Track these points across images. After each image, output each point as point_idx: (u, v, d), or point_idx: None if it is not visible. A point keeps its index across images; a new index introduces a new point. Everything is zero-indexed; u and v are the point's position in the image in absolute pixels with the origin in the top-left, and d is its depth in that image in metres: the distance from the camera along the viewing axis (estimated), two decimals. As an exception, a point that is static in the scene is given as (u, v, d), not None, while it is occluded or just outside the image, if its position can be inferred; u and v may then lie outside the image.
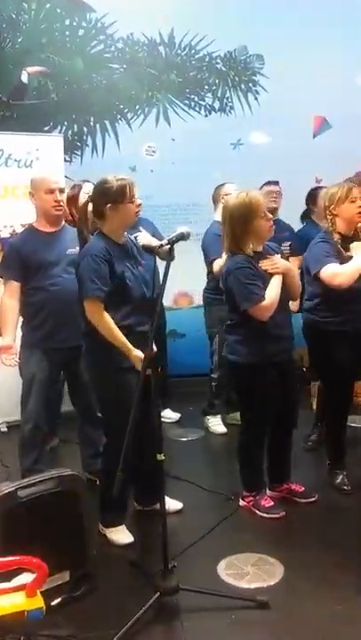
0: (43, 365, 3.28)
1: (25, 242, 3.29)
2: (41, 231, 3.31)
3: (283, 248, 3.19)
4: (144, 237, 3.56)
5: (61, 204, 3.28)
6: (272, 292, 3.01)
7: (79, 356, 3.30)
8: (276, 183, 4.37)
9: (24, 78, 5.10)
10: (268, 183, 4.36)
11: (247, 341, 3.08)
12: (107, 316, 2.76)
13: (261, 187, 4.28)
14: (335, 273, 3.13)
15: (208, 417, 4.46)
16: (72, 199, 3.64)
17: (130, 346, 2.75)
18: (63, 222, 3.37)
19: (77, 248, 3.29)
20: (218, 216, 3.76)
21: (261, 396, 3.11)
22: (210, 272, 4.14)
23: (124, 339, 2.74)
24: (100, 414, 3.13)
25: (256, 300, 2.97)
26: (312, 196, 4.50)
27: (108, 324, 2.76)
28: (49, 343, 3.26)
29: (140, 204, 2.96)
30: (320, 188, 4.37)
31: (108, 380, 2.85)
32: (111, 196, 2.80)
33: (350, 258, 3.16)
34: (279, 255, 3.14)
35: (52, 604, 2.37)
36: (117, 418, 2.81)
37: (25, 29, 5.16)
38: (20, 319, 3.37)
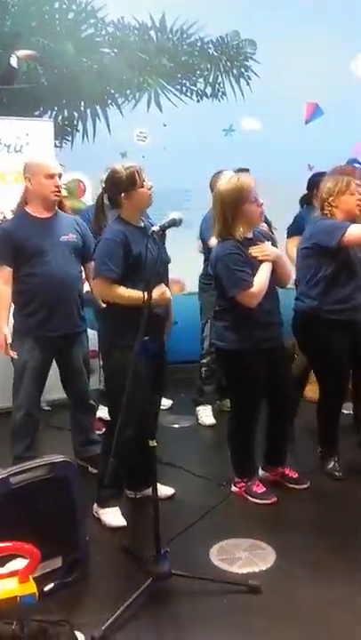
0: (34, 354, 3.25)
1: (18, 227, 3.25)
2: (35, 217, 3.27)
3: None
4: None
5: (60, 189, 3.25)
6: (260, 278, 3.00)
7: (71, 344, 3.29)
8: (247, 170, 4.33)
9: (13, 62, 5.02)
10: (241, 170, 4.33)
11: (235, 328, 3.09)
12: (116, 287, 2.79)
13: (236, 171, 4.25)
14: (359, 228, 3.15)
15: (198, 407, 4.46)
16: None
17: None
18: (57, 208, 3.33)
19: (72, 235, 3.27)
20: None
21: (248, 383, 3.12)
22: (207, 259, 4.13)
23: (138, 293, 2.70)
24: (107, 394, 3.13)
25: (244, 287, 2.97)
26: (315, 183, 4.47)
27: (118, 292, 2.80)
28: (41, 331, 3.24)
29: (151, 187, 2.96)
30: (322, 174, 4.35)
31: (116, 357, 2.86)
32: (123, 185, 2.84)
33: None
34: (270, 243, 3.14)
35: (45, 589, 2.37)
36: (119, 396, 2.82)
37: (14, 12, 5.09)
38: (12, 306, 3.35)
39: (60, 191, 3.25)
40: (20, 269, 3.23)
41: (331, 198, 3.27)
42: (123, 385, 2.80)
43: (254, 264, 3.03)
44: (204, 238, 4.10)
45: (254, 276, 3.01)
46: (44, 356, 3.28)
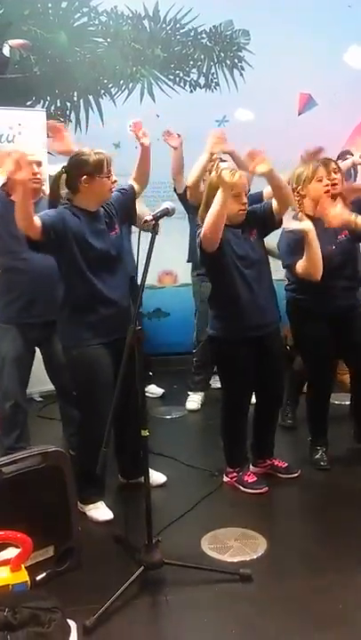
0: (17, 343, 3.24)
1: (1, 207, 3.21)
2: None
3: None
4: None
5: (38, 176, 3.22)
6: (212, 208, 2.87)
7: (54, 334, 3.28)
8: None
9: (5, 51, 4.99)
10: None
11: (223, 315, 3.11)
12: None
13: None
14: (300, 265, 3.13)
15: (189, 392, 4.50)
16: None
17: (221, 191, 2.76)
18: (40, 195, 3.30)
19: None
20: None
21: (237, 371, 3.13)
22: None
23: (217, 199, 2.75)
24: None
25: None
26: None
27: (211, 216, 2.80)
28: (24, 318, 3.22)
29: (115, 181, 2.95)
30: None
31: (76, 356, 2.88)
32: (87, 168, 2.78)
33: None
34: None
35: (37, 578, 2.39)
36: (88, 395, 2.84)
37: (6, 1, 5.04)
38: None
39: (38, 179, 3.22)
40: (1, 256, 3.20)
41: (298, 187, 3.20)
42: (87, 384, 2.84)
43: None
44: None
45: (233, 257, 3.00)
46: (28, 345, 3.27)
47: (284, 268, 3.30)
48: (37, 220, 2.66)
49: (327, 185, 3.17)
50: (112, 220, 2.93)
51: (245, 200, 3.04)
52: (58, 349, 3.32)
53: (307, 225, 3.04)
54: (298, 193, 3.21)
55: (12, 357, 3.24)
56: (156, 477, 3.17)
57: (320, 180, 3.17)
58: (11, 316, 3.24)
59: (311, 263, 3.06)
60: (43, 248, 2.77)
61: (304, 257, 3.07)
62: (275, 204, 3.02)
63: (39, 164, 3.23)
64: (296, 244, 3.11)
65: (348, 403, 3.77)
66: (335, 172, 3.30)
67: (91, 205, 2.86)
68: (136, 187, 3.08)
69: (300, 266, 3.11)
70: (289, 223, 3.08)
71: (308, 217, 3.18)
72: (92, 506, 3.00)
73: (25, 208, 2.61)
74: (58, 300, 3.28)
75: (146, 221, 2.45)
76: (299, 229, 3.05)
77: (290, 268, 3.21)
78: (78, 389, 3.02)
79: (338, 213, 3.02)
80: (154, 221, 2.45)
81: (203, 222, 3.00)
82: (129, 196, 3.02)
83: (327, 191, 3.17)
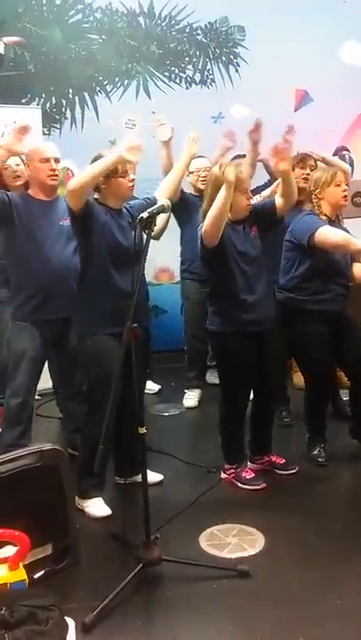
0: (34, 342, 3.22)
1: (20, 202, 3.18)
2: (36, 199, 3.22)
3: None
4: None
5: (57, 173, 3.21)
6: (215, 204, 2.88)
7: (68, 331, 3.27)
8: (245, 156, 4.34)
9: (0, 48, 4.98)
10: (238, 156, 4.33)
11: (222, 311, 3.12)
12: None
13: (233, 159, 4.25)
14: (331, 232, 3.18)
15: (186, 390, 4.51)
16: None
17: (114, 154, 2.77)
18: (57, 193, 3.30)
19: (69, 219, 3.23)
20: None
21: (235, 367, 3.14)
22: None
23: (104, 160, 2.77)
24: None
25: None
26: None
27: (84, 172, 2.81)
28: (40, 314, 3.20)
29: (133, 180, 2.96)
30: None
31: (90, 346, 2.89)
32: None
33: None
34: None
35: (35, 576, 2.39)
36: (98, 386, 2.83)
37: (0, -2, 5.03)
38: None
39: (56, 175, 3.21)
40: (16, 249, 3.20)
41: (317, 190, 3.28)
42: (98, 376, 2.84)
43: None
44: None
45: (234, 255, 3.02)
46: (44, 343, 3.26)
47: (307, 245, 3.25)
48: (83, 195, 2.77)
49: (345, 190, 3.26)
50: (133, 221, 2.95)
51: (250, 194, 3.07)
52: (70, 344, 3.30)
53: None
54: (316, 196, 3.27)
55: (31, 356, 3.21)
56: (153, 477, 3.16)
57: (338, 185, 3.25)
58: (27, 314, 3.22)
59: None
60: (79, 221, 2.85)
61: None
62: (278, 200, 3.04)
63: (57, 160, 3.22)
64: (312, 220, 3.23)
65: (345, 399, 3.77)
66: (311, 169, 3.51)
67: (113, 203, 2.95)
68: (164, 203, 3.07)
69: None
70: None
71: (327, 217, 3.27)
72: (90, 501, 2.99)
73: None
74: (72, 298, 3.29)
75: (142, 218, 2.45)
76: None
77: (311, 238, 3.19)
78: (89, 380, 3.01)
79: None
80: (150, 218, 2.44)
81: (203, 215, 3.01)
82: (150, 207, 3.03)
83: (345, 197, 3.26)
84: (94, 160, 2.88)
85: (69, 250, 3.25)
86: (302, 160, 3.69)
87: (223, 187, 2.85)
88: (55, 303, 3.20)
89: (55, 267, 3.15)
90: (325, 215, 3.28)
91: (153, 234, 2.49)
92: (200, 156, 3.89)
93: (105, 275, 2.89)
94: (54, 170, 3.17)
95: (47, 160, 3.16)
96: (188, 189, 4.23)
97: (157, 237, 3.71)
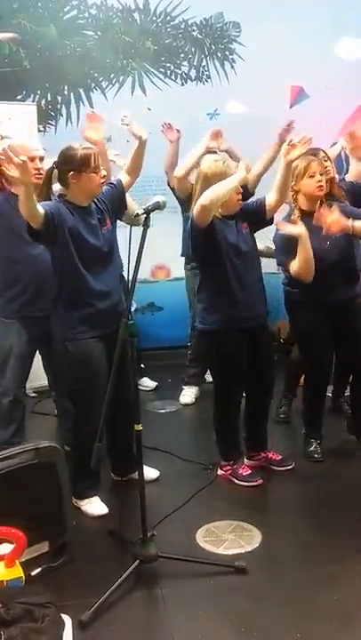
0: (21, 339, 3.22)
1: (3, 201, 3.16)
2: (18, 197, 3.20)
3: None
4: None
5: (41, 172, 3.19)
6: (220, 185, 2.91)
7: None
8: None
9: (-5, 45, 4.96)
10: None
11: (213, 307, 3.11)
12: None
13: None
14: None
15: (183, 386, 4.51)
16: None
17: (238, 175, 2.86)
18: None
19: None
20: None
21: (227, 364, 3.14)
22: None
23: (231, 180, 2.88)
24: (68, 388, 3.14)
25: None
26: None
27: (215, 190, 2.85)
28: (27, 312, 3.20)
29: (104, 176, 2.94)
30: None
31: (71, 350, 2.88)
32: (74, 164, 2.77)
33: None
34: None
35: (32, 574, 2.39)
36: (82, 389, 2.84)
37: (-5, -6, 5.01)
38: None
39: (40, 174, 3.19)
40: (1, 248, 3.17)
41: (292, 183, 3.17)
42: (81, 379, 2.83)
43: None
44: None
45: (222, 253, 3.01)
46: (31, 340, 3.25)
47: (278, 265, 3.29)
48: (40, 209, 2.66)
49: (319, 181, 3.14)
50: (103, 215, 2.92)
51: (240, 189, 3.05)
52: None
53: (300, 229, 3.04)
54: (292, 188, 3.19)
55: (18, 352, 3.21)
56: (148, 472, 3.16)
57: (312, 177, 3.14)
58: (14, 311, 3.21)
59: (303, 265, 3.07)
60: (42, 238, 2.77)
61: (297, 259, 3.08)
62: (271, 198, 3.03)
63: (41, 158, 3.20)
64: (290, 243, 3.09)
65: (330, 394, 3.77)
66: (325, 161, 3.31)
67: (81, 201, 2.86)
68: (127, 179, 3.07)
69: (293, 267, 3.11)
70: (283, 226, 3.09)
71: (303, 212, 3.19)
72: (86, 500, 2.99)
73: (29, 201, 2.60)
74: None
75: (137, 215, 2.44)
76: (293, 234, 3.05)
77: (284, 265, 3.21)
78: (72, 384, 3.01)
79: (335, 220, 3.01)
80: (145, 215, 2.43)
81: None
82: (118, 191, 3.01)
83: (320, 187, 3.14)
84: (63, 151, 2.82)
85: None
86: (307, 168, 3.34)
87: (234, 177, 2.90)
88: (43, 300, 3.19)
89: (42, 264, 3.13)
90: (301, 210, 3.19)
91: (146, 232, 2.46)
92: (211, 152, 3.89)
93: (77, 279, 2.83)
94: (39, 169, 3.14)
95: (32, 159, 3.12)
96: None
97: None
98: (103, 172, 2.89)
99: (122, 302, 2.94)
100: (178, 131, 4.24)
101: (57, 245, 2.80)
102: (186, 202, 3.77)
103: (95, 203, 2.92)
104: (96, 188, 2.87)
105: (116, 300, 2.93)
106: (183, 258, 4.40)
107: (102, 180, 2.93)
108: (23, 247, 3.14)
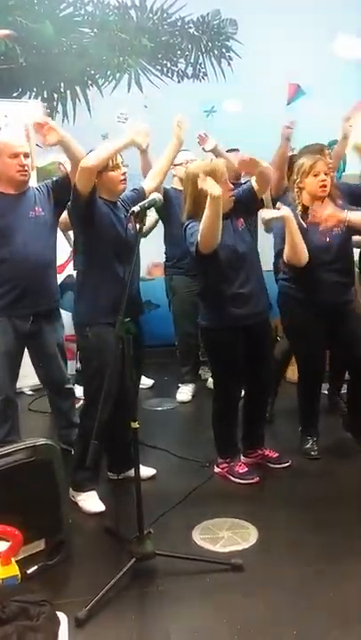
0: (8, 337, 3.20)
1: None
2: (4, 193, 3.18)
3: None
4: None
5: (26, 168, 3.18)
6: (206, 218, 2.88)
7: (45, 329, 3.26)
8: (238, 150, 4.32)
9: (-9, 42, 4.95)
10: (231, 150, 4.31)
11: (214, 306, 3.11)
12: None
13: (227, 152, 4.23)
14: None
15: (180, 384, 4.51)
16: None
17: (123, 137, 2.81)
18: (27, 187, 3.27)
19: (38, 209, 3.19)
20: None
21: (226, 361, 3.14)
22: None
23: (114, 142, 2.81)
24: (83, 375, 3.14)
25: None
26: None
27: (99, 149, 2.80)
28: (14, 309, 3.18)
29: (124, 173, 2.95)
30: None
31: (89, 337, 2.89)
32: None
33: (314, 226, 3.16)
34: None
35: (29, 572, 2.38)
36: (96, 377, 2.82)
37: (-10, -9, 5.00)
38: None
39: (26, 171, 3.18)
40: None
41: (298, 180, 3.23)
42: (97, 367, 2.83)
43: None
44: None
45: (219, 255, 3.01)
46: (18, 337, 3.24)
47: (275, 253, 3.28)
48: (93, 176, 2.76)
49: (323, 180, 3.17)
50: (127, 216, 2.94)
51: (230, 185, 3.04)
52: (49, 341, 3.30)
53: (284, 211, 3.09)
54: (297, 185, 3.23)
55: (3, 351, 3.21)
56: (145, 471, 3.16)
57: (316, 175, 3.18)
58: (1, 309, 3.21)
59: (293, 249, 3.12)
60: (85, 206, 2.81)
61: (286, 243, 3.11)
62: (255, 185, 3.04)
63: (27, 155, 3.19)
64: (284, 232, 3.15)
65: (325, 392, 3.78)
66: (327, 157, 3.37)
67: (109, 197, 2.93)
68: (152, 185, 3.11)
69: (285, 253, 3.15)
70: (266, 212, 3.14)
71: (306, 208, 3.23)
72: (84, 495, 2.99)
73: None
74: (49, 290, 3.27)
75: (133, 212, 2.44)
76: (277, 217, 3.09)
77: (280, 253, 3.24)
78: (87, 371, 3.00)
79: (330, 214, 3.03)
80: (141, 212, 2.43)
81: (188, 216, 3.03)
82: (140, 197, 3.05)
83: (323, 186, 3.18)
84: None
85: (44, 242, 3.22)
86: (312, 167, 3.28)
87: (209, 202, 2.80)
88: (31, 298, 3.18)
89: (29, 261, 3.12)
90: (303, 206, 3.23)
91: (142, 231, 2.48)
92: (184, 150, 3.86)
93: (108, 264, 2.89)
94: (24, 165, 3.13)
95: (16, 155, 3.11)
96: (170, 184, 4.21)
97: (145, 235, 3.68)
98: (124, 169, 2.93)
99: (137, 299, 3.05)
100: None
101: (93, 224, 2.86)
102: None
103: (121, 203, 3.00)
104: (119, 185, 2.94)
105: (133, 292, 2.93)
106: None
107: (123, 177, 2.95)
108: (8, 244, 3.12)
